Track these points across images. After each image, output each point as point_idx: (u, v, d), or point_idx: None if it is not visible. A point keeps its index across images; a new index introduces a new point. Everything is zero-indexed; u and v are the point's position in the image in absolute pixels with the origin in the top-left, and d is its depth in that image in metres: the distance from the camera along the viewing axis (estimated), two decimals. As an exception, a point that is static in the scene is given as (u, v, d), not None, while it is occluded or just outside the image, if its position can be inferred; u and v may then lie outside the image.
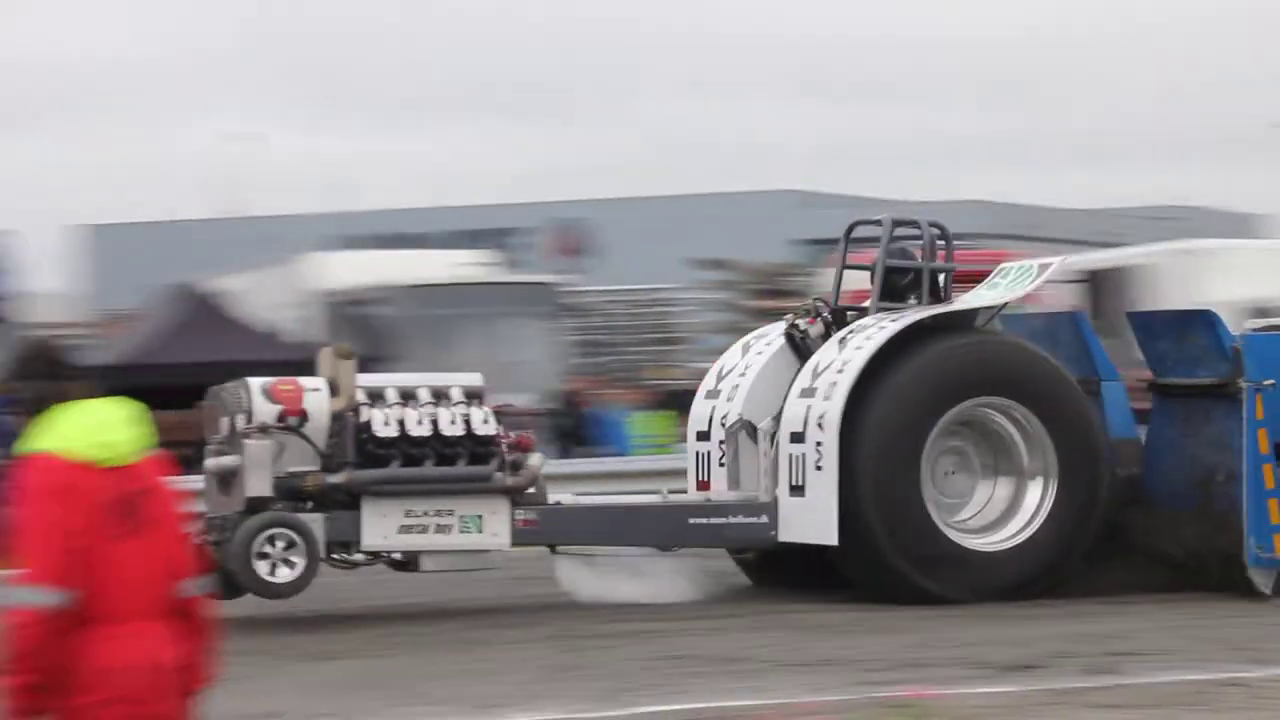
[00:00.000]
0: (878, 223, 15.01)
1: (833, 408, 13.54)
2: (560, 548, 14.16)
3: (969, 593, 13.64)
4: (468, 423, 13.52)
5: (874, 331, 13.92)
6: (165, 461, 5.08)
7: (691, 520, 14.08)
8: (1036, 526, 13.98)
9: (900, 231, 15.06)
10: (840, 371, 13.69)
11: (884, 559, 13.66)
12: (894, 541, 13.62)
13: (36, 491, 4.93)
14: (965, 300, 14.61)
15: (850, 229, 15.34)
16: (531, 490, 13.87)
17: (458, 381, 14.04)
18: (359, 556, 13.84)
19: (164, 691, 4.95)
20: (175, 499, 5.14)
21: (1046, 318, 15.93)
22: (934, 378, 13.96)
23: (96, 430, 4.84)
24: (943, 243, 14.87)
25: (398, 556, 13.97)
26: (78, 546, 4.78)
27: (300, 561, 12.91)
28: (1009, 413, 14.08)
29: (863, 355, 13.68)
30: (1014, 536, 14.00)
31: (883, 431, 13.70)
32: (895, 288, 14.72)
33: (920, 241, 14.84)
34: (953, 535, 13.93)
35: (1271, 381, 13.28)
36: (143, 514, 4.91)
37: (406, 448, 13.46)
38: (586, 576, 14.11)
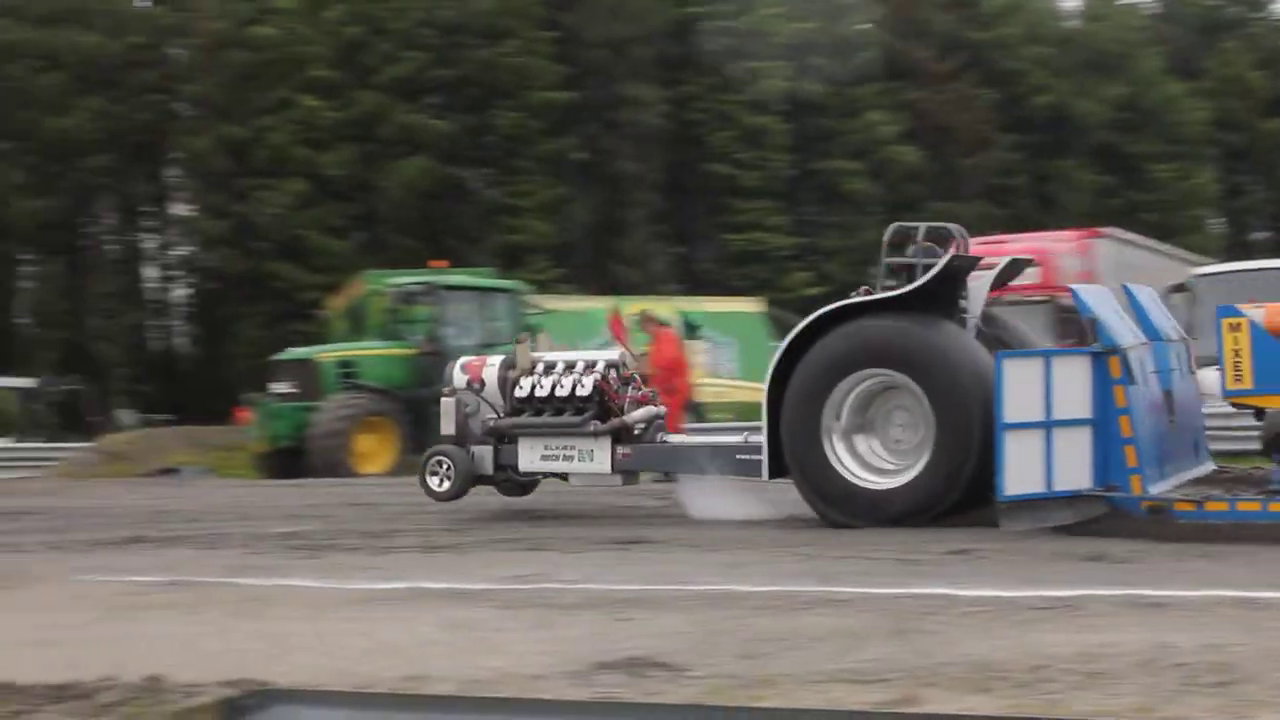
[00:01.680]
0: (915, 228, 18.37)
1: (767, 375, 17.63)
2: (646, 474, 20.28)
3: (860, 520, 16.67)
4: (574, 387, 19.01)
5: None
6: None
7: (738, 456, 18.14)
8: (917, 471, 16.69)
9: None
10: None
11: (801, 492, 17.49)
12: (804, 480, 17.31)
13: None
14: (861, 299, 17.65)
15: (891, 233, 18.64)
16: (639, 430, 19.07)
17: (604, 356, 19.56)
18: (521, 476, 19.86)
19: None
20: None
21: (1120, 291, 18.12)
22: (828, 355, 17.15)
23: None
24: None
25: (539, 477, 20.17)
26: None
27: (451, 479, 19.16)
28: (897, 381, 16.94)
29: (793, 332, 17.65)
30: (900, 478, 16.85)
31: (795, 395, 17.27)
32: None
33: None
34: (847, 476, 17.05)
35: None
36: None
37: (536, 404, 19.27)
38: (695, 498, 18.97)
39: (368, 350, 31.40)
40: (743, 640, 9.72)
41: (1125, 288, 18.18)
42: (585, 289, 55.96)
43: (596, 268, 65.93)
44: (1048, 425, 15.51)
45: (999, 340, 17.73)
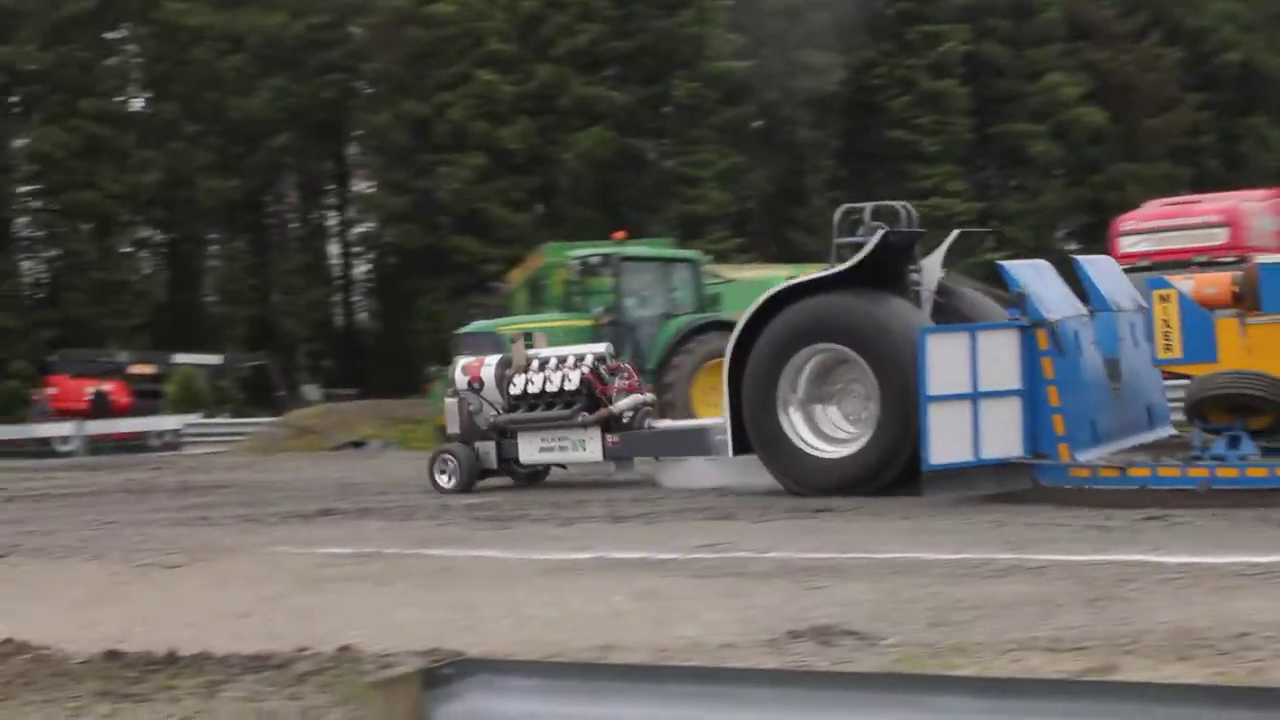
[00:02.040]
0: (863, 208, 19.35)
1: (727, 353, 18.62)
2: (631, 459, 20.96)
3: (813, 489, 17.34)
4: (562, 382, 20.55)
5: None
6: None
7: (716, 437, 18.99)
8: (864, 442, 17.41)
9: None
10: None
11: (763, 463, 18.30)
12: (764, 451, 18.17)
13: None
14: (816, 272, 18.93)
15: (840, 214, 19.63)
16: (627, 419, 20.41)
17: (592, 350, 21.40)
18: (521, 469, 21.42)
19: None
20: None
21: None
22: (780, 331, 17.92)
23: None
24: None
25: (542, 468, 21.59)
26: None
27: (457, 475, 20.62)
28: (845, 354, 17.69)
29: (747, 312, 18.57)
30: (848, 447, 17.61)
31: (752, 370, 18.11)
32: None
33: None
34: (802, 446, 17.86)
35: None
36: None
37: (530, 399, 20.79)
38: (670, 473, 20.10)
39: (549, 322, 31.52)
40: (933, 608, 9.66)
41: (1076, 260, 18.96)
42: (763, 257, 55.76)
43: (774, 236, 65.59)
44: (974, 396, 16.04)
45: (959, 313, 18.04)
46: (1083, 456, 16.01)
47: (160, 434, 48.40)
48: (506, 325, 32.79)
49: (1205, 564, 10.80)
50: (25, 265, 67.01)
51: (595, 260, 30.79)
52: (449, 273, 65.37)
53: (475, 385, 21.32)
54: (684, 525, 15.31)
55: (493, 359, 21.62)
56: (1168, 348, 15.83)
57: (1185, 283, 16.26)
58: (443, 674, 5.36)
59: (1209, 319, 15.57)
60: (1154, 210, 18.15)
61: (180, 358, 55.18)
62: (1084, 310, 17.60)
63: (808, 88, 66.18)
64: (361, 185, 73.71)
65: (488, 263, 61.99)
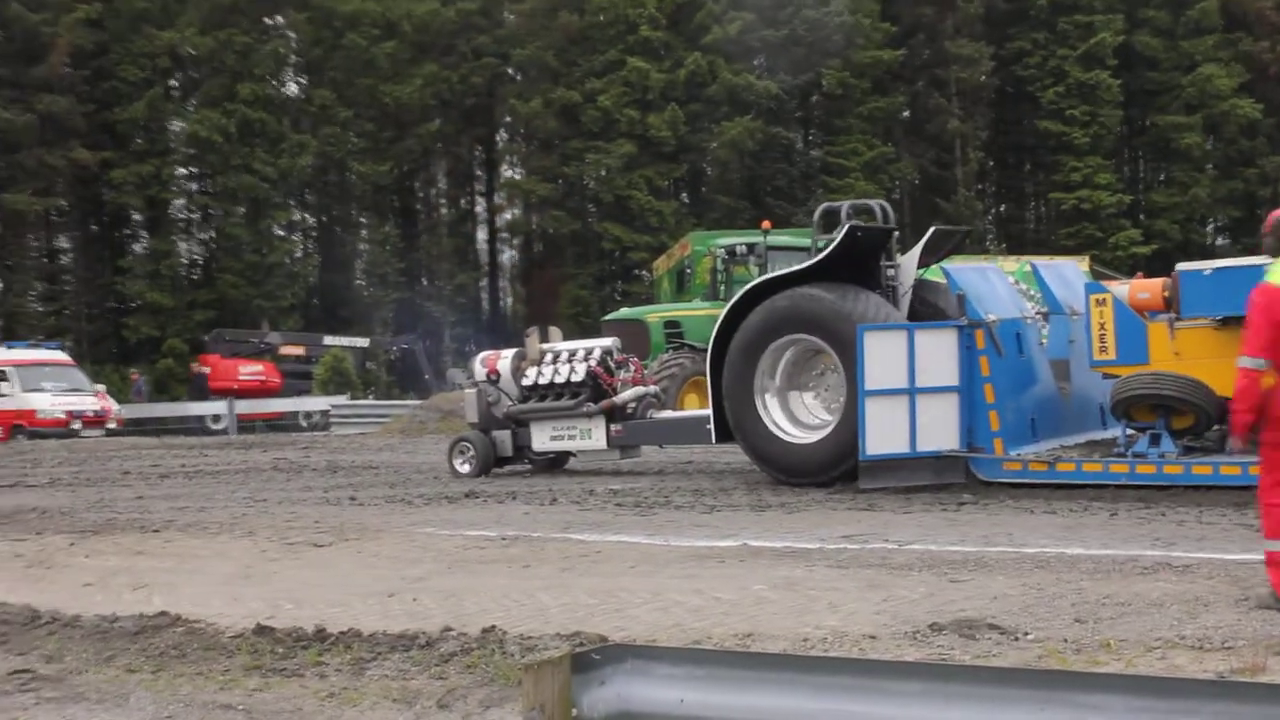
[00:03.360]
0: (840, 206, 19.95)
1: (710, 344, 19.38)
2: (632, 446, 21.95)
3: (786, 473, 18.17)
4: (570, 374, 21.42)
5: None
6: None
7: (706, 426, 19.57)
8: (832, 427, 17.93)
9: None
10: None
11: (742, 449, 19.14)
12: (742, 437, 18.85)
13: (1258, 305, 9.70)
14: (789, 269, 19.36)
15: (820, 212, 20.84)
16: (630, 409, 21.30)
17: (599, 344, 22.09)
18: (534, 456, 22.15)
19: None
20: None
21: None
22: (758, 322, 18.46)
23: None
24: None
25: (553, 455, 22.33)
26: (1274, 337, 9.55)
27: (474, 462, 21.70)
28: (819, 345, 18.19)
29: (728, 305, 19.42)
30: (819, 433, 18.13)
31: (731, 359, 18.72)
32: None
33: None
34: (776, 432, 18.47)
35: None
36: None
37: (541, 390, 21.69)
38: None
39: (694, 310, 31.52)
40: (1078, 604, 9.55)
41: (1032, 264, 20.64)
42: (905, 249, 55.06)
43: (921, 227, 64.94)
44: (911, 392, 16.70)
45: (937, 311, 18.30)
46: (1017, 451, 16.59)
47: (309, 414, 48.98)
48: (652, 313, 32.91)
49: (1357, 565, 10.59)
50: (181, 247, 68.04)
51: (741, 249, 30.74)
52: (595, 259, 65.69)
53: (493, 377, 22.16)
54: (826, 515, 15.25)
55: (509, 352, 22.56)
56: (1103, 350, 16.53)
57: (1121, 288, 16.81)
58: (591, 658, 5.39)
59: (1141, 323, 16.19)
60: (1309, 205, 17.86)
61: (329, 340, 55.77)
62: (1030, 313, 18.56)
63: (957, 78, 65.69)
64: (510, 172, 74.09)
65: (634, 250, 62.28)
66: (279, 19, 68.83)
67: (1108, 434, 17.73)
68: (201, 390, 53.16)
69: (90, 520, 17.51)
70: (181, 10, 63.00)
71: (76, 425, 42.18)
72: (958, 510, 15.18)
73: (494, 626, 9.37)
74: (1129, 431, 16.21)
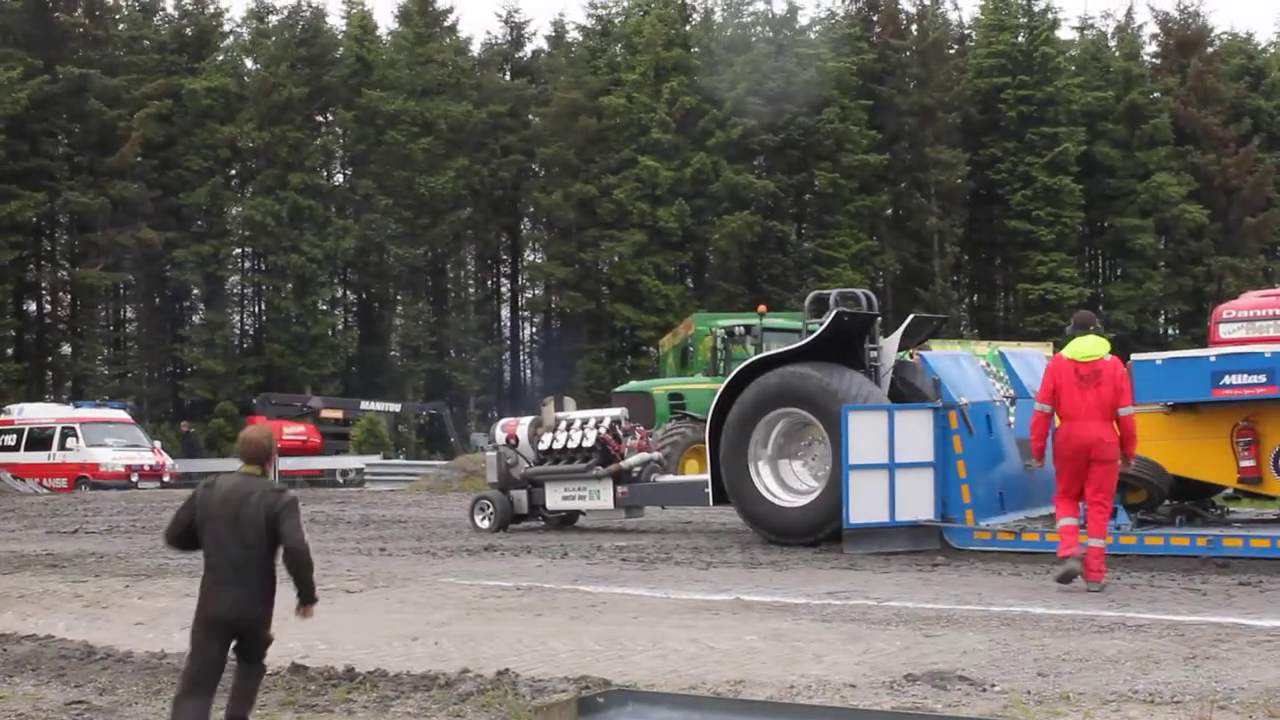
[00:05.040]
0: (829, 294, 20.15)
1: (709, 414, 19.48)
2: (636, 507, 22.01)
3: (775, 534, 18.21)
4: (581, 440, 21.43)
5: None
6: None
7: (704, 490, 19.58)
8: (818, 493, 17.93)
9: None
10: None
11: (737, 511, 19.14)
12: (736, 500, 18.82)
13: (1048, 368, 13.87)
14: (782, 349, 19.46)
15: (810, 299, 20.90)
16: (636, 473, 21.28)
17: (608, 413, 22.26)
18: (548, 514, 22.12)
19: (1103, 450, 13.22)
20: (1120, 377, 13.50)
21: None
22: (753, 395, 18.56)
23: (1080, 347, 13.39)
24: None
25: (565, 514, 22.33)
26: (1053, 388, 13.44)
27: (493, 518, 21.63)
28: (807, 418, 18.25)
29: (726, 380, 19.80)
30: (806, 498, 18.14)
31: (729, 428, 18.76)
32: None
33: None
34: (767, 495, 18.45)
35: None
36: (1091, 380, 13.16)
37: (555, 455, 21.68)
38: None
39: (696, 384, 31.51)
40: (1040, 659, 9.48)
41: (1001, 353, 21.02)
42: (887, 333, 55.19)
43: (901, 314, 65.14)
44: (891, 467, 16.80)
45: (914, 390, 18.51)
46: (985, 522, 16.66)
47: (345, 472, 48.86)
48: (657, 386, 32.89)
49: (1297, 629, 10.53)
50: (234, 319, 68.29)
51: (739, 330, 30.79)
52: (607, 336, 65.77)
53: (512, 441, 22.28)
54: (813, 573, 15.19)
55: (527, 419, 22.74)
56: None
57: None
58: (595, 701, 5.32)
59: None
60: (1251, 300, 17.88)
61: (365, 405, 55.73)
62: (999, 396, 18.94)
63: (936, 180, 65.94)
64: (532, 256, 74.31)
65: (642, 329, 62.35)
66: (328, 116, 69.30)
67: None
68: (192, 449, 53.15)
69: (144, 565, 17.45)
70: (241, 107, 63.37)
71: (134, 478, 42.16)
72: (932, 571, 15.11)
73: (507, 669, 9.30)
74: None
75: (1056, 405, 13.60)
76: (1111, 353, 13.84)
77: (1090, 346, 13.67)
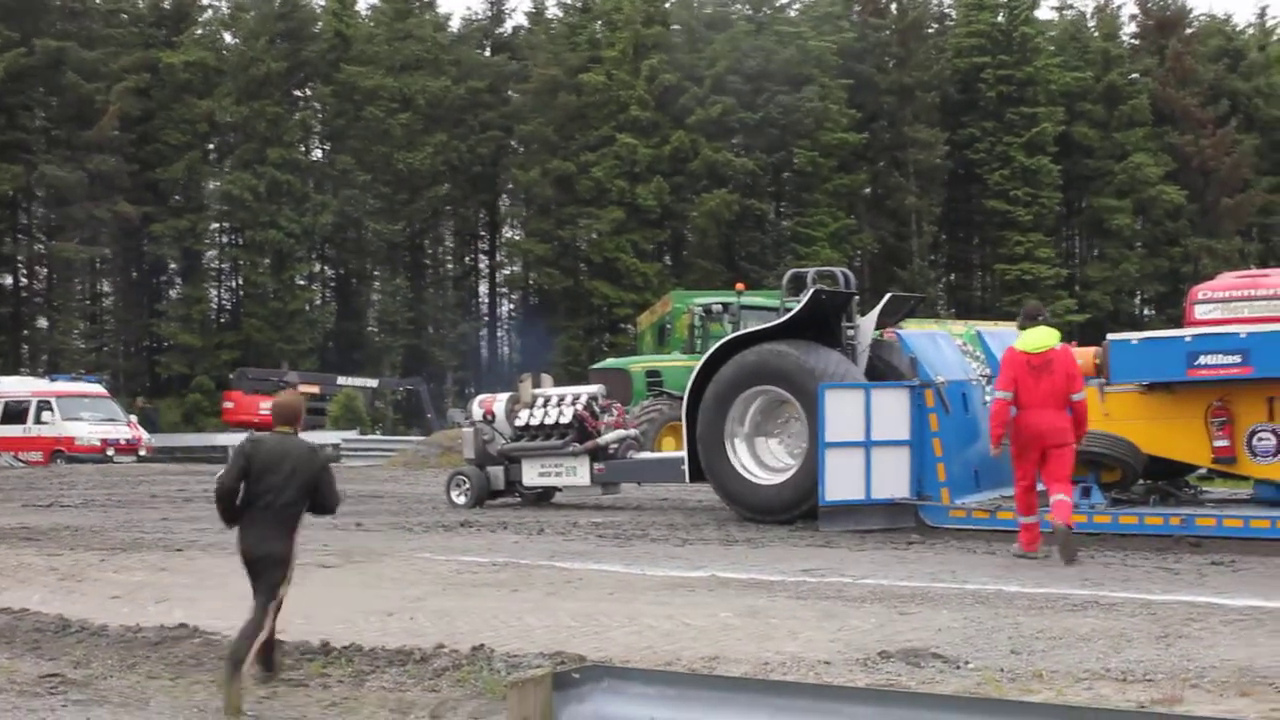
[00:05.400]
0: (807, 272, 20.42)
1: (686, 392, 19.34)
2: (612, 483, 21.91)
3: (751, 511, 18.18)
4: (558, 417, 21.31)
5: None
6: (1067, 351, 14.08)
7: (681, 467, 19.42)
8: (794, 470, 17.91)
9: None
10: None
11: (713, 488, 19.08)
12: (713, 477, 18.74)
13: (1004, 359, 14.20)
14: (760, 327, 19.45)
15: (788, 277, 21.44)
16: (613, 450, 21.23)
17: (586, 390, 22.12)
18: (525, 490, 21.92)
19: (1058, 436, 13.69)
20: (1070, 365, 13.96)
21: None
22: (730, 374, 18.50)
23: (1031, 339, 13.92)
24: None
25: (541, 490, 22.09)
26: (1011, 378, 13.79)
27: (470, 494, 21.52)
28: (783, 396, 18.16)
29: (704, 357, 19.53)
30: (782, 475, 18.09)
31: (705, 406, 18.66)
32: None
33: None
34: (743, 473, 18.41)
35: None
36: (1044, 369, 13.68)
37: (532, 431, 21.54)
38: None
39: (673, 362, 31.51)
40: (1014, 637, 9.50)
41: (979, 332, 20.79)
42: (864, 312, 55.21)
43: (878, 293, 65.00)
44: (867, 445, 16.80)
45: (891, 368, 18.37)
46: (961, 500, 16.67)
47: (322, 447, 48.64)
48: (635, 363, 32.87)
49: (1267, 608, 10.56)
50: (212, 293, 68.14)
51: (717, 308, 30.76)
52: (584, 313, 65.74)
53: (489, 418, 22.13)
54: (788, 550, 15.19)
55: (504, 395, 22.51)
56: None
57: None
58: (571, 677, 5.32)
59: None
60: (1227, 281, 17.93)
61: (342, 380, 55.66)
62: (975, 375, 18.77)
63: (915, 159, 65.98)
64: (510, 233, 74.21)
65: (620, 306, 62.33)
66: (307, 91, 69.10)
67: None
68: (152, 426, 52.93)
69: (119, 539, 17.40)
70: (220, 82, 63.20)
71: (110, 452, 42.03)
72: (907, 549, 15.13)
73: (483, 645, 9.30)
74: None
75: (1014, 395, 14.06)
76: (1061, 342, 14.27)
77: (1041, 337, 14.11)
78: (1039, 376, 13.86)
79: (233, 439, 49.48)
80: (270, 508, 8.56)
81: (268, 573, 8.56)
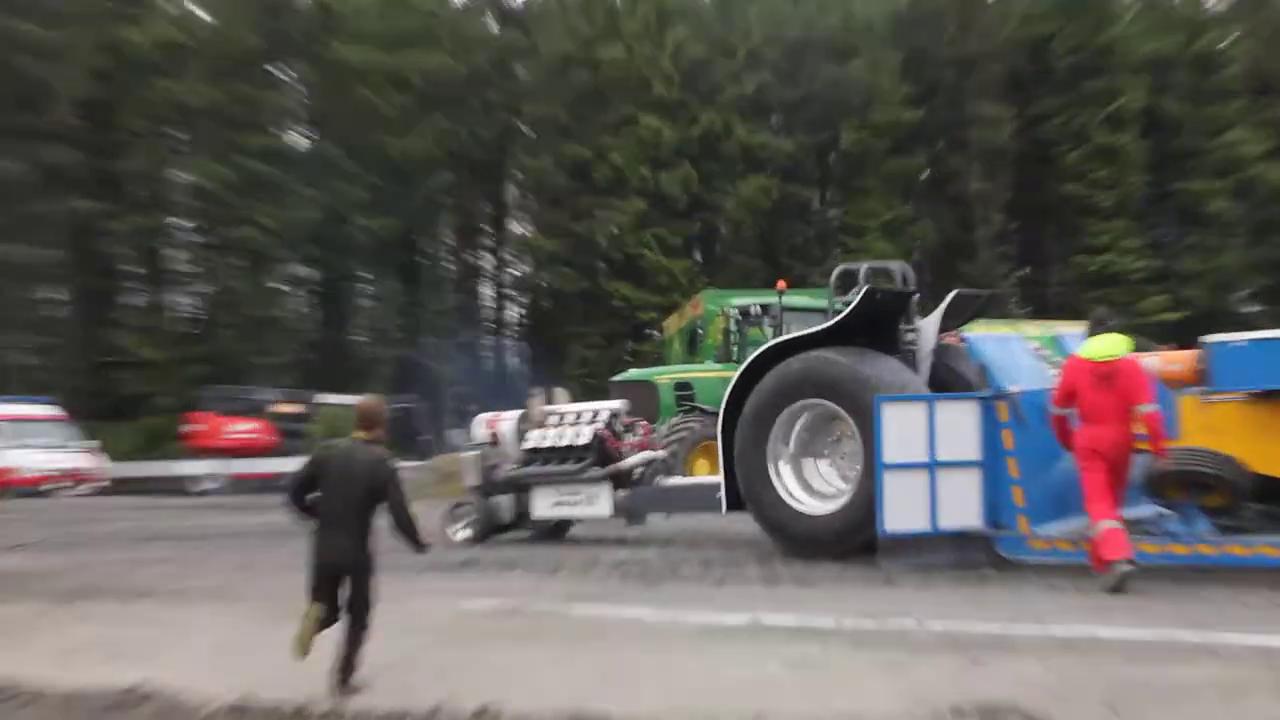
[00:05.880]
0: (858, 268, 19.98)
1: (721, 408, 19.12)
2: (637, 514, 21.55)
3: (798, 545, 17.89)
4: (575, 437, 21.13)
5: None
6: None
7: (716, 494, 19.09)
8: (848, 497, 17.63)
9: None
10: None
11: (755, 519, 18.71)
12: (754, 506, 18.53)
13: (1064, 368, 14.83)
14: (798, 332, 19.00)
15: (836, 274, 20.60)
16: (637, 475, 21.09)
17: (606, 406, 21.82)
18: (534, 523, 21.70)
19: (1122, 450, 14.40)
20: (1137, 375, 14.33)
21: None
22: (772, 385, 18.29)
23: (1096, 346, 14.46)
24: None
25: (555, 522, 21.91)
26: (1074, 389, 14.51)
27: (473, 528, 21.36)
28: (834, 411, 17.84)
29: (740, 369, 19.19)
30: (834, 503, 17.81)
31: (744, 423, 18.47)
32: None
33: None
34: (789, 500, 18.17)
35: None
36: (1110, 380, 14.20)
37: (543, 454, 21.37)
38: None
39: (706, 372, 31.37)
40: (1108, 690, 9.31)
41: (1057, 335, 20.49)
42: (926, 312, 55.07)
43: (940, 291, 64.73)
44: (931, 466, 16.37)
45: (958, 377, 18.41)
46: (1043, 530, 16.22)
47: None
48: (661, 374, 32.73)
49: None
50: (178, 300, 68.21)
51: (755, 310, 30.59)
52: (603, 318, 65.71)
53: (494, 440, 22.04)
54: (842, 589, 15.03)
55: (511, 413, 22.29)
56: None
57: (1152, 361, 16.56)
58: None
59: (1172, 396, 15.95)
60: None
61: (323, 398, 55.75)
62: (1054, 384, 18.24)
63: (979, 139, 65.89)
64: (517, 227, 74.33)
65: (643, 309, 62.32)
66: (288, 71, 69.28)
67: (1140, 511, 17.51)
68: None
69: (70, 584, 17.30)
70: (189, 61, 63.31)
71: (64, 484, 42.08)
72: (981, 587, 14.94)
73: (486, 707, 9.15)
74: (1162, 510, 15.79)
75: (1077, 407, 14.54)
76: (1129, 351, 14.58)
77: (1107, 345, 14.63)
78: (1103, 388, 14.36)
79: (199, 468, 49.52)
80: (338, 515, 10.10)
81: (355, 582, 10.20)
